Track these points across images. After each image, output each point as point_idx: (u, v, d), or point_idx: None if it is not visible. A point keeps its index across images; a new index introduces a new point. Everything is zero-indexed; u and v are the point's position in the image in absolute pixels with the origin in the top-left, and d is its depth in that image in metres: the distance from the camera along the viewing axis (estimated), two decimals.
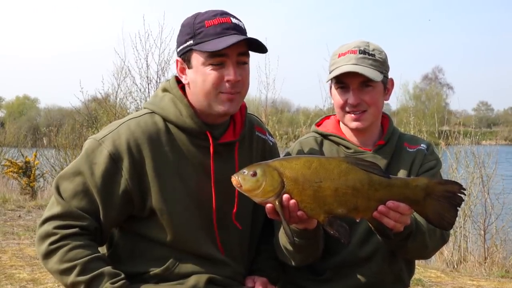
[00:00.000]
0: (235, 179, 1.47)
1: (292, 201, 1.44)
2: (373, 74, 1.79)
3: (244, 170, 1.46)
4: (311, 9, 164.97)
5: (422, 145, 1.93)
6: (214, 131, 1.70)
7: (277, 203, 1.44)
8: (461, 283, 4.70)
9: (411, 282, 2.00)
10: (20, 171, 9.50)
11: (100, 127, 9.73)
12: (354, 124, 1.85)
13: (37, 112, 37.81)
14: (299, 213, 1.46)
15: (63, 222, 1.59)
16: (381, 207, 1.47)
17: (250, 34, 1.68)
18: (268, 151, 1.89)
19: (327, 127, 1.99)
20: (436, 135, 7.34)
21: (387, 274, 1.86)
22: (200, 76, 1.63)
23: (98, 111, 9.84)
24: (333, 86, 1.90)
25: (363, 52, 1.83)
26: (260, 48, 1.65)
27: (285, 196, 1.44)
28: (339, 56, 1.86)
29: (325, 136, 1.95)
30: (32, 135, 16.82)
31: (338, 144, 1.92)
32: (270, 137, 1.93)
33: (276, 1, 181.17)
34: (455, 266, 5.71)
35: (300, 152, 1.90)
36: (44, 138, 13.26)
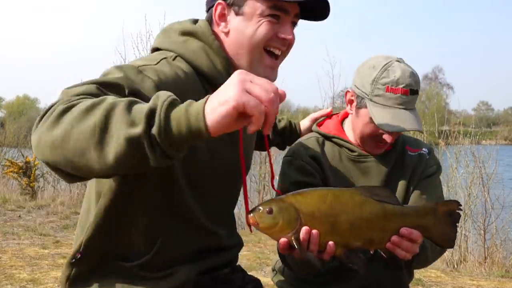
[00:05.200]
0: (252, 218, 1.41)
1: (314, 231, 1.38)
2: (420, 121, 1.74)
3: (260, 207, 1.41)
4: None
5: (423, 149, 1.91)
6: None
7: (293, 239, 1.41)
8: (461, 283, 4.70)
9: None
10: (20, 171, 9.50)
11: None
12: (377, 152, 1.83)
13: (37, 112, 37.73)
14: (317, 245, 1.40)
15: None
16: (394, 238, 1.46)
17: None
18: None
19: (329, 128, 1.93)
20: (436, 135, 7.34)
21: (387, 277, 1.85)
22: (252, 26, 1.42)
23: None
24: (367, 114, 1.75)
25: (414, 92, 1.73)
26: (315, 15, 1.50)
27: (305, 228, 1.38)
28: (388, 90, 1.71)
29: (327, 137, 1.90)
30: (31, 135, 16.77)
31: (340, 146, 1.87)
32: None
33: None
34: (455, 266, 5.71)
35: (302, 153, 1.84)
36: None
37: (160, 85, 1.26)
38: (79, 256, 1.40)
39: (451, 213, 1.53)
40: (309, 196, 1.44)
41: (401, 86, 1.70)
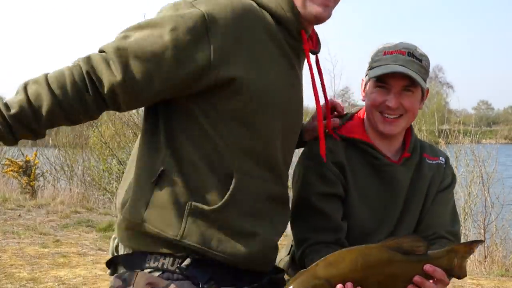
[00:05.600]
0: None
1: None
2: (420, 79, 1.67)
3: (291, 287, 1.38)
4: None
5: (441, 158, 1.86)
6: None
7: None
8: (461, 281, 4.70)
9: None
10: (20, 170, 9.49)
11: (101, 126, 9.74)
12: (387, 129, 1.72)
13: None
14: None
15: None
16: (416, 278, 1.44)
17: None
18: None
19: (353, 131, 1.79)
20: (436, 134, 7.33)
21: None
22: None
23: None
24: (370, 83, 1.74)
25: (412, 55, 1.70)
26: None
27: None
28: (385, 53, 1.71)
29: (351, 141, 1.78)
30: None
31: (364, 151, 1.77)
32: None
33: None
34: None
35: (323, 161, 1.69)
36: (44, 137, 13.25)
37: (210, 14, 1.28)
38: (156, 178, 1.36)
39: (472, 251, 1.56)
40: (342, 266, 1.41)
41: (398, 48, 1.70)
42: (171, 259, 1.35)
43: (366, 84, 1.78)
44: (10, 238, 5.29)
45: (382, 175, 1.77)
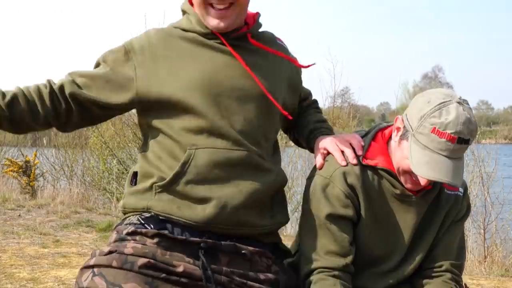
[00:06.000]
0: None
1: None
2: (459, 177, 1.59)
3: None
4: (311, 7, 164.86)
5: (460, 189, 1.79)
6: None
7: None
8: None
9: None
10: (20, 170, 9.49)
11: (100, 126, 9.74)
12: (412, 188, 1.69)
13: None
14: None
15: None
16: None
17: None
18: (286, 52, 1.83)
19: (376, 156, 1.71)
20: None
21: None
22: None
23: None
24: (405, 144, 1.62)
25: (463, 141, 1.53)
26: None
27: None
28: (434, 131, 1.53)
29: (371, 167, 1.70)
30: (32, 134, 16.78)
31: (383, 177, 1.70)
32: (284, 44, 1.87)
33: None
34: None
35: (340, 179, 1.68)
36: (44, 137, 13.25)
37: (128, 44, 1.71)
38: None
39: None
40: None
41: (449, 131, 1.52)
42: (138, 215, 1.67)
43: (402, 139, 1.64)
44: (10, 238, 5.29)
45: (397, 203, 1.73)
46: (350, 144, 1.74)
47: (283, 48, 1.83)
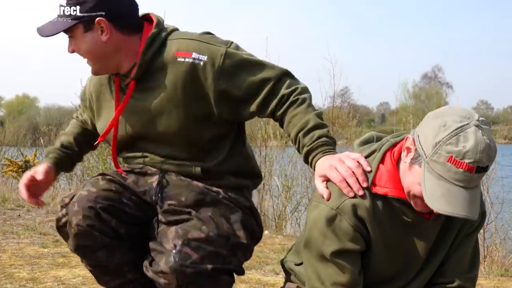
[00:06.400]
0: None
1: None
2: (476, 208, 1.46)
3: None
4: (312, 8, 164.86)
5: None
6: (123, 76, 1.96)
7: None
8: None
9: None
10: (19, 170, 9.49)
11: None
12: (422, 210, 1.55)
13: (36, 111, 37.76)
14: None
15: None
16: None
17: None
18: (200, 70, 1.77)
19: (386, 183, 1.57)
20: None
21: None
22: None
23: None
24: (417, 169, 1.48)
25: (482, 170, 1.40)
26: None
27: None
28: (450, 161, 1.39)
29: (381, 196, 1.58)
30: (31, 134, 16.77)
31: (393, 205, 1.58)
32: (200, 56, 1.78)
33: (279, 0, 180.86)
34: None
35: (349, 211, 1.56)
36: (43, 137, 13.26)
37: (83, 90, 2.26)
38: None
39: None
40: None
41: (467, 160, 1.38)
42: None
43: (413, 162, 1.49)
44: (9, 238, 5.28)
45: (410, 228, 1.63)
46: (353, 172, 1.58)
47: (181, 64, 1.80)
